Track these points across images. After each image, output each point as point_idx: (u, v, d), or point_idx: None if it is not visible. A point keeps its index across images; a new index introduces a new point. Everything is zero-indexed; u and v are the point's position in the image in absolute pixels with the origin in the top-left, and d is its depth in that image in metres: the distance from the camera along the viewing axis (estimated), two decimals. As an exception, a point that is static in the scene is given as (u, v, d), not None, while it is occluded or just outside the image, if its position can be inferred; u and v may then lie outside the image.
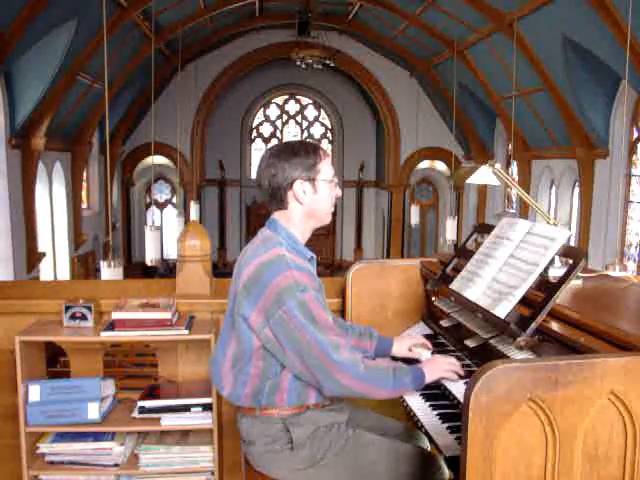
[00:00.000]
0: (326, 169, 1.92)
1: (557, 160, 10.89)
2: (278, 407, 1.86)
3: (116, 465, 2.58)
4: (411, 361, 2.20)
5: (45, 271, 10.68)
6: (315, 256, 1.99)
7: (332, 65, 13.61)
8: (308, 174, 1.88)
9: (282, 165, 1.87)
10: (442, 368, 1.96)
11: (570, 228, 10.58)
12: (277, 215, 1.93)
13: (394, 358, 2.26)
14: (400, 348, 2.26)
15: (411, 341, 2.29)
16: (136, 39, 10.90)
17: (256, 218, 17.31)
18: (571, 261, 1.83)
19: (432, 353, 2.27)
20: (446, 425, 1.81)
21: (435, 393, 1.97)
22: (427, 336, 2.46)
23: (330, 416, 1.91)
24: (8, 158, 8.82)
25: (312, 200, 1.91)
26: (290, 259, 1.80)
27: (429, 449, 2.14)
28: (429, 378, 1.91)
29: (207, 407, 2.55)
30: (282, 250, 1.82)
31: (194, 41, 13.71)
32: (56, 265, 11.37)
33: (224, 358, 1.92)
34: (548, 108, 9.79)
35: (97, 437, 2.57)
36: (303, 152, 1.89)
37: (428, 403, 1.93)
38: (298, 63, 13.06)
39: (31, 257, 9.65)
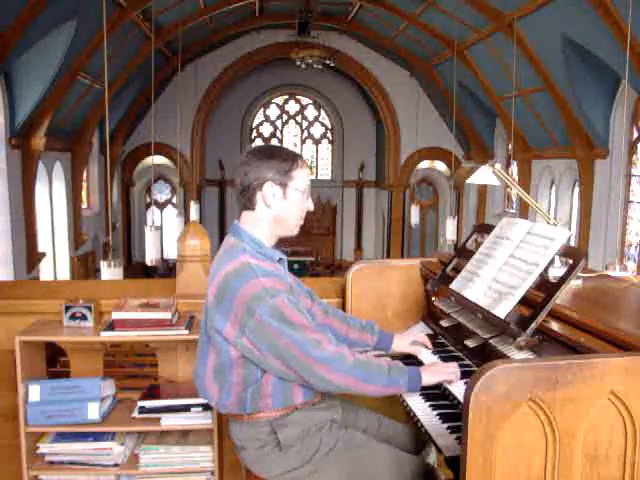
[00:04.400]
0: (300, 178, 1.87)
1: (557, 160, 10.89)
2: (265, 411, 1.85)
3: (116, 465, 2.58)
4: (409, 358, 2.20)
5: (45, 271, 10.68)
6: (285, 257, 1.96)
7: (332, 65, 13.61)
8: (281, 178, 1.84)
9: (256, 164, 1.84)
10: (441, 374, 1.93)
11: (570, 228, 10.58)
12: (241, 219, 1.90)
13: (393, 357, 2.25)
14: (401, 343, 2.26)
15: (413, 336, 2.30)
16: (136, 39, 10.91)
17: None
18: (571, 261, 1.83)
19: (432, 353, 2.28)
20: (446, 425, 1.81)
21: (435, 393, 1.97)
22: (427, 336, 2.46)
23: (319, 415, 1.91)
24: (8, 158, 8.83)
25: (280, 206, 1.86)
26: (256, 266, 1.77)
27: (425, 448, 2.14)
28: (426, 382, 1.89)
29: (207, 407, 2.54)
30: (247, 257, 1.79)
31: (194, 41, 13.71)
32: (56, 265, 11.37)
33: (205, 370, 1.90)
34: (548, 108, 9.79)
35: (97, 437, 2.57)
36: (280, 156, 1.86)
37: (428, 403, 1.93)
38: (298, 63, 13.05)
39: (31, 257, 9.65)
